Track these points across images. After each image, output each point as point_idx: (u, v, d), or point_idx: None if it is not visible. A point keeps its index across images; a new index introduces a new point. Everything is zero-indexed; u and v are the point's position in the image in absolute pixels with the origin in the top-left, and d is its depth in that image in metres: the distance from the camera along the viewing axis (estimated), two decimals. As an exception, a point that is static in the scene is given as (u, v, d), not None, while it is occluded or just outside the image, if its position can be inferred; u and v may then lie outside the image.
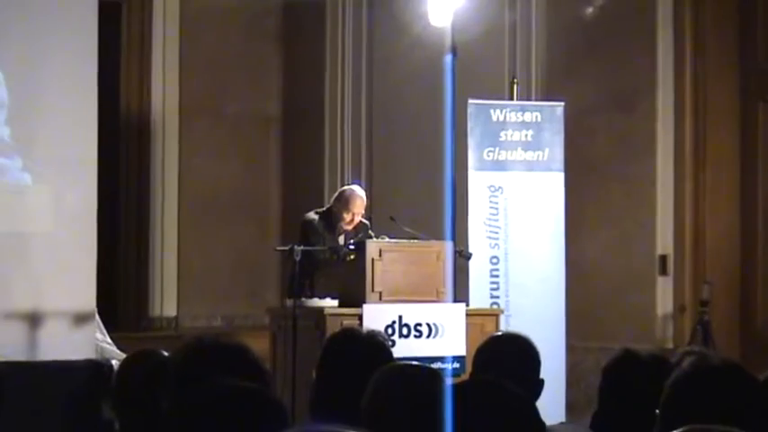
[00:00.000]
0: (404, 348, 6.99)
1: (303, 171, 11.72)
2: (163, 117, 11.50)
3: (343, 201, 8.01)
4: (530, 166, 8.79)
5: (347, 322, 6.94)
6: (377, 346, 3.38)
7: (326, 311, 7.22)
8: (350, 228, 7.98)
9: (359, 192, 8.08)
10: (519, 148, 8.79)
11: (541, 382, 3.77)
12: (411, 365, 3.11)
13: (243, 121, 11.84)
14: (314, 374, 3.34)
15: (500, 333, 5.06)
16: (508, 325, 8.06)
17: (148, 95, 11.46)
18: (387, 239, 7.60)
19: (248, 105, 11.89)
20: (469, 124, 8.72)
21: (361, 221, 8.03)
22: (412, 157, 10.66)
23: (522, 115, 8.82)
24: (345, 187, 8.40)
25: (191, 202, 11.59)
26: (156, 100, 11.49)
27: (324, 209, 8.19)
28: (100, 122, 8.48)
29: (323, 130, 11.49)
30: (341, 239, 7.99)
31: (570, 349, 8.71)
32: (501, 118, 8.79)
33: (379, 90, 11.16)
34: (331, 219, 8.01)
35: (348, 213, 7.95)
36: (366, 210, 8.23)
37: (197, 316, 11.52)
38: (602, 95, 9.59)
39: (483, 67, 9.97)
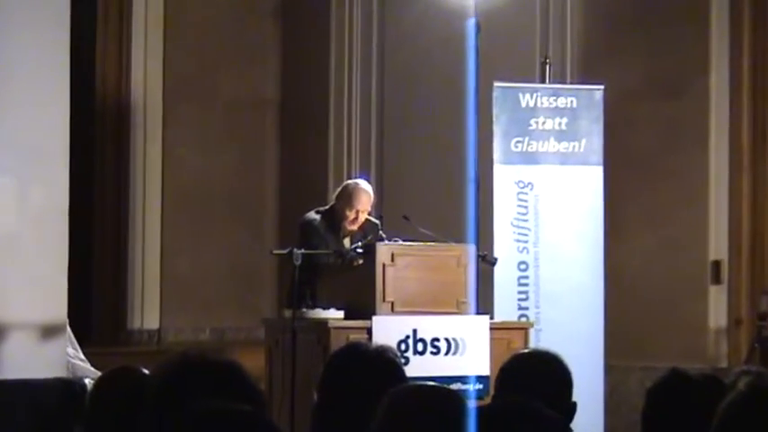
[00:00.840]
0: (419, 367, 7.00)
1: (304, 164, 11.73)
2: (144, 101, 11.51)
3: (346, 196, 8.01)
4: (564, 159, 8.80)
5: (354, 336, 6.95)
6: (387, 363, 3.39)
7: (330, 324, 7.23)
8: (353, 227, 7.98)
9: (364, 186, 8.08)
10: (551, 139, 8.80)
11: (573, 406, 3.77)
12: (427, 386, 3.11)
13: (236, 107, 11.85)
14: (315, 396, 3.35)
15: (526, 350, 5.08)
16: (538, 340, 8.08)
17: (128, 76, 11.47)
18: (400, 242, 7.60)
19: (242, 88, 11.90)
20: (495, 110, 8.73)
21: (369, 221, 8.03)
22: (429, 147, 10.66)
23: (556, 100, 8.83)
24: (349, 181, 8.40)
25: (176, 199, 11.60)
26: (137, 82, 11.50)
27: (326, 207, 8.19)
28: (72, 107, 8.48)
29: (327, 117, 11.50)
30: (346, 242, 7.99)
31: (609, 369, 8.71)
32: (531, 103, 8.80)
33: (391, 71, 11.17)
34: (334, 218, 8.01)
35: (351, 211, 7.94)
36: (376, 208, 8.23)
37: (182, 328, 11.53)
38: (647, 78, 9.58)
39: (510, 45, 9.97)
